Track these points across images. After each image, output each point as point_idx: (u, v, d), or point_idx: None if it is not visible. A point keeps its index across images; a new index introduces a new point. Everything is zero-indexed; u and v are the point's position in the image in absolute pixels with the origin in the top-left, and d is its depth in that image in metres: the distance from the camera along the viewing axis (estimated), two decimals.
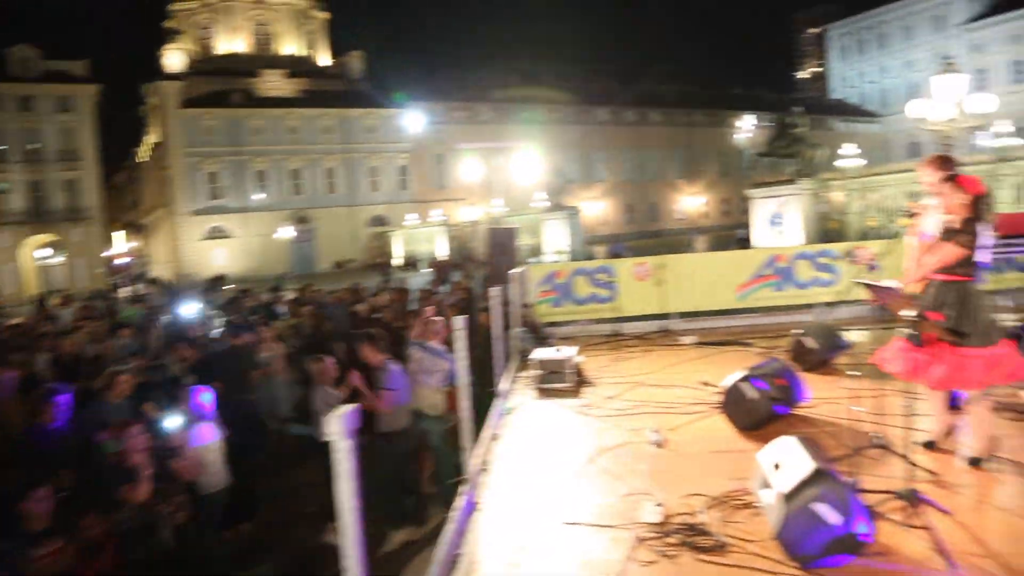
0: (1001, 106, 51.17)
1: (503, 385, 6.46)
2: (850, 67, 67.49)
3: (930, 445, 4.41)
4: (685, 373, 6.98)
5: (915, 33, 60.77)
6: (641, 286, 9.35)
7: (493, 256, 9.37)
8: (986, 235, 3.94)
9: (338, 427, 2.08)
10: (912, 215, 4.19)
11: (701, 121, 61.40)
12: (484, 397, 6.02)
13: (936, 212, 4.03)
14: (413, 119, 40.97)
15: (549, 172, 32.80)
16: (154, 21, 53.41)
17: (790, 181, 19.05)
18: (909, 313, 3.59)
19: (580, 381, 6.83)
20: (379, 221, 47.89)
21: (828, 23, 71.35)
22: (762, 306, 9.60)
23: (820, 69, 79.54)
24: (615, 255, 30.76)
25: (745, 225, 22.41)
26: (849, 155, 26.56)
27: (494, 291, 6.17)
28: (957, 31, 57.41)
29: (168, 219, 44.76)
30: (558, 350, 6.93)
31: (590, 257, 29.51)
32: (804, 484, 3.11)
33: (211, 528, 4.78)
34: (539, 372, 6.68)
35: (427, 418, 5.68)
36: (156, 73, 44.75)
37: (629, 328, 9.41)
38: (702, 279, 9.40)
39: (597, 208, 55.58)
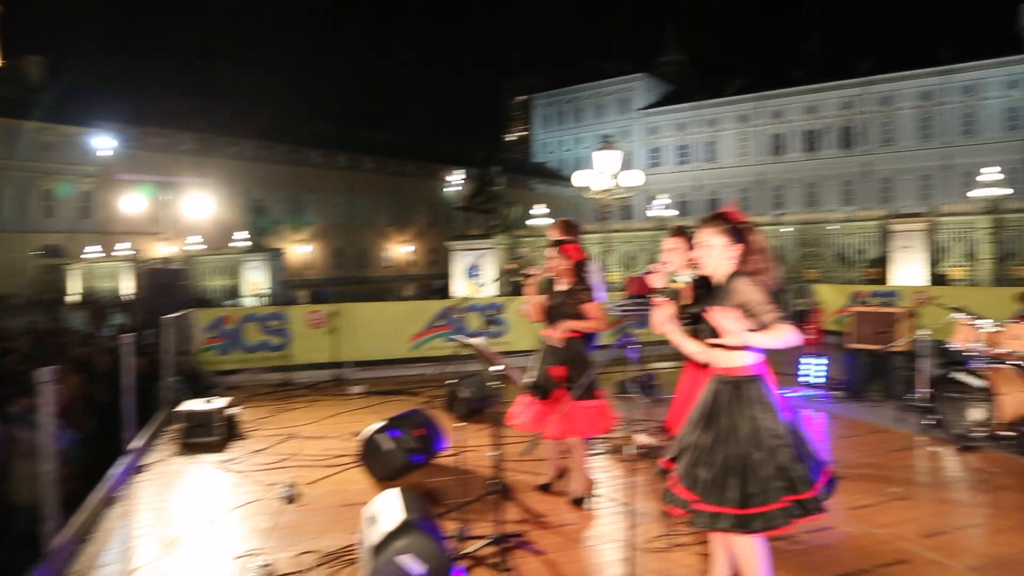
0: (668, 182, 59.04)
1: (136, 442, 5.88)
2: (551, 135, 74.08)
3: (546, 488, 4.76)
4: (343, 424, 6.93)
5: (605, 111, 68.63)
6: (315, 334, 9.19)
7: (152, 298, 8.60)
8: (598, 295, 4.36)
9: None
10: (528, 275, 4.52)
11: (412, 172, 63.11)
12: (109, 455, 5.43)
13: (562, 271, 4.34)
14: (102, 141, 37.02)
15: (254, 211, 31.39)
16: None
17: (486, 235, 20.01)
18: (498, 369, 3.83)
19: (230, 434, 6.46)
20: (55, 252, 42.20)
21: (533, 93, 77.92)
22: (436, 355, 9.95)
23: (525, 133, 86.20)
24: (319, 299, 30.25)
25: (447, 275, 23.22)
26: (539, 214, 29.13)
27: (127, 338, 5.63)
28: (637, 114, 65.99)
29: None
30: (208, 401, 6.51)
31: (291, 301, 28.64)
32: (391, 536, 3.15)
33: None
34: (183, 425, 6.20)
35: None
36: None
37: (302, 377, 9.17)
38: (377, 328, 9.48)
39: (305, 251, 54.37)
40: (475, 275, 19.72)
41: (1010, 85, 49.61)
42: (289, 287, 34.03)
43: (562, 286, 4.39)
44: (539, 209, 26.10)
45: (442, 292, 23.30)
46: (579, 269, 4.38)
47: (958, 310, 6.21)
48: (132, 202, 38.87)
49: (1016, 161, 48.59)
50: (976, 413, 5.53)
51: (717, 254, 2.71)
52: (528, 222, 27.10)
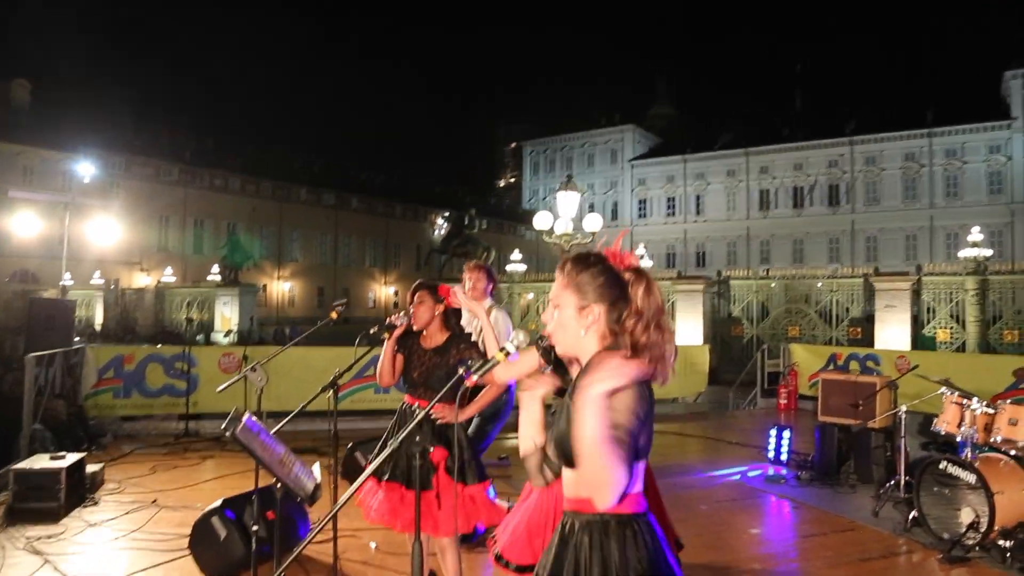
0: (656, 234, 58.71)
1: None
2: (540, 182, 73.74)
3: None
4: (227, 488, 5.81)
5: (595, 161, 68.47)
6: (227, 379, 8.10)
7: (32, 332, 7.54)
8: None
9: None
10: (391, 328, 3.61)
11: (401, 213, 62.64)
12: None
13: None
14: (83, 167, 36.12)
15: (232, 244, 30.36)
16: None
17: (459, 279, 19.35)
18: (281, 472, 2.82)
19: (77, 499, 5.33)
20: (27, 277, 41.00)
21: (524, 139, 77.89)
22: (367, 409, 8.97)
23: (516, 180, 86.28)
24: (280, 338, 29.27)
25: None
26: (515, 259, 28.28)
27: None
28: (627, 165, 65.82)
29: None
30: (57, 457, 5.40)
31: (261, 339, 27.54)
32: None
33: None
34: (14, 488, 5.08)
35: None
36: None
37: (207, 427, 8.10)
38: (299, 376, 8.43)
39: (286, 288, 53.32)
40: None
41: (993, 149, 49.64)
42: (261, 325, 33.07)
43: (436, 341, 3.57)
44: (516, 254, 25.29)
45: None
46: (449, 319, 3.63)
47: (945, 384, 5.19)
48: (109, 230, 37.75)
49: (1000, 224, 48.36)
50: (966, 514, 4.47)
51: (571, 318, 1.72)
52: (507, 267, 26.47)
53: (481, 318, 3.50)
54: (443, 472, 3.36)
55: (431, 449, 3.34)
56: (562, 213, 11.64)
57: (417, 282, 3.69)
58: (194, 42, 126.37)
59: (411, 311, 3.55)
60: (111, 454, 7.05)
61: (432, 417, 3.43)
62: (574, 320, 1.71)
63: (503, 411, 4.54)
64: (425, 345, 3.57)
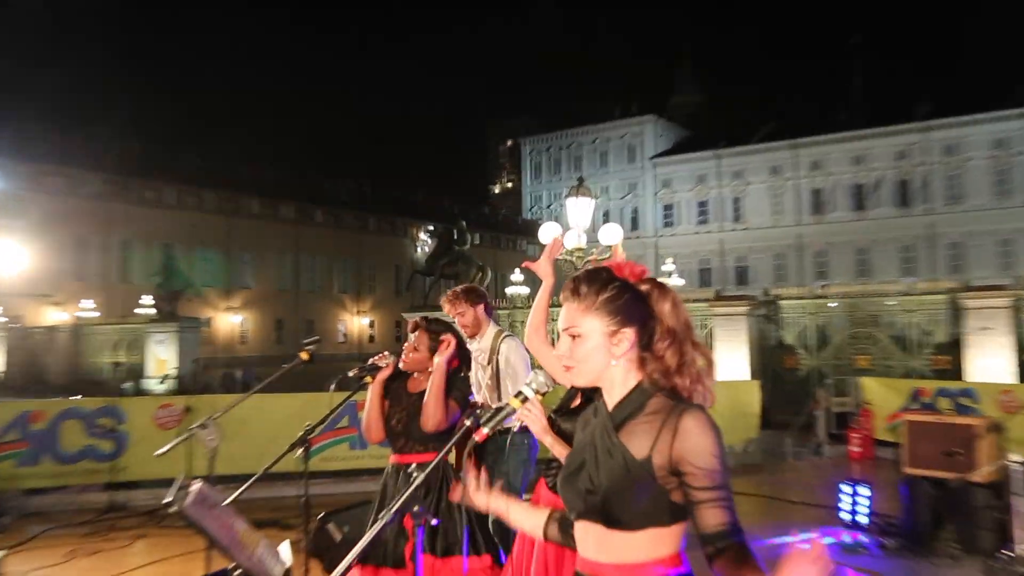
0: (684, 245, 59.02)
1: None
2: (543, 186, 74.25)
3: None
4: None
5: (609, 159, 68.98)
6: (164, 438, 7.99)
7: None
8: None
9: None
10: (374, 370, 3.64)
11: (375, 227, 62.90)
12: None
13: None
14: None
15: (166, 269, 30.22)
16: None
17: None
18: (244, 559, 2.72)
19: None
20: None
21: (523, 136, 78.45)
22: (339, 469, 8.94)
23: (514, 185, 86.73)
24: (230, 384, 29.03)
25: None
26: (515, 281, 28.33)
27: None
28: (648, 164, 66.22)
29: None
30: None
31: (206, 386, 27.38)
32: None
33: None
34: None
35: None
36: None
37: (140, 498, 7.99)
38: (256, 431, 8.32)
39: (236, 321, 53.26)
40: None
41: None
42: (206, 367, 32.94)
43: (423, 385, 3.67)
44: (517, 275, 25.36)
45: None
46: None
47: None
48: (12, 255, 37.64)
49: None
50: None
51: (597, 348, 1.84)
52: (507, 290, 26.46)
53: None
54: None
55: (433, 520, 3.35)
56: (573, 223, 11.60)
57: (419, 318, 3.82)
58: (122, 32, 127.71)
59: (404, 351, 3.66)
60: (14, 538, 6.90)
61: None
62: (602, 350, 1.81)
63: (526, 466, 4.51)
64: (410, 389, 3.68)
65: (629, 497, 1.69)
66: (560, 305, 1.87)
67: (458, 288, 4.76)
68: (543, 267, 3.40)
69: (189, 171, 52.46)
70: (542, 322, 3.36)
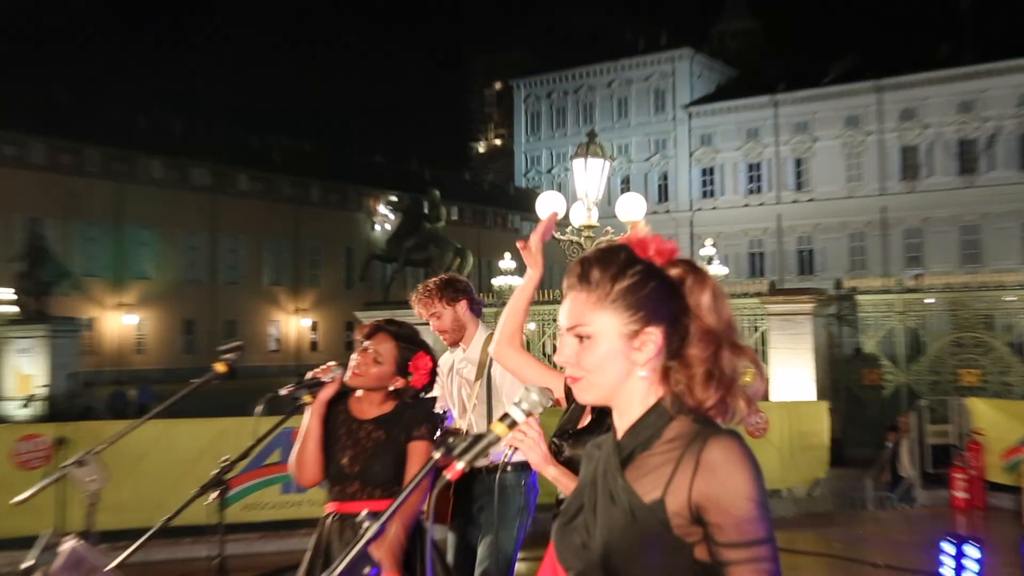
0: (729, 221, 59.24)
1: None
2: (542, 143, 74.43)
3: None
4: None
5: (630, 108, 69.20)
6: (27, 479, 8.05)
7: None
8: None
9: None
10: (315, 387, 3.67)
11: (319, 198, 62.78)
12: None
13: None
14: None
15: (32, 253, 29.91)
16: None
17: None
18: None
19: None
20: None
21: (517, 77, 78.34)
22: (269, 520, 9.02)
23: (503, 142, 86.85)
24: (141, 407, 28.95)
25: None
26: (505, 269, 28.05)
27: None
28: (683, 114, 66.31)
29: None
30: None
31: (87, 410, 27.33)
32: None
33: None
34: None
35: None
36: None
37: None
38: (155, 471, 8.51)
39: (130, 323, 53.23)
40: None
41: None
42: (88, 385, 32.93)
43: (375, 409, 3.76)
44: (507, 260, 25.46)
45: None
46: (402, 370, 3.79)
47: None
48: None
49: None
50: None
51: (614, 353, 1.80)
52: (494, 281, 26.60)
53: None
54: None
55: None
56: (580, 192, 11.67)
57: (382, 320, 3.83)
58: None
59: (354, 361, 3.67)
60: None
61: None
62: (620, 356, 1.78)
63: (523, 515, 4.52)
64: (358, 414, 3.70)
65: (635, 555, 1.66)
66: (557, 302, 1.86)
67: (433, 281, 4.74)
68: (531, 252, 3.31)
69: (63, 120, 52.12)
70: (518, 328, 3.36)
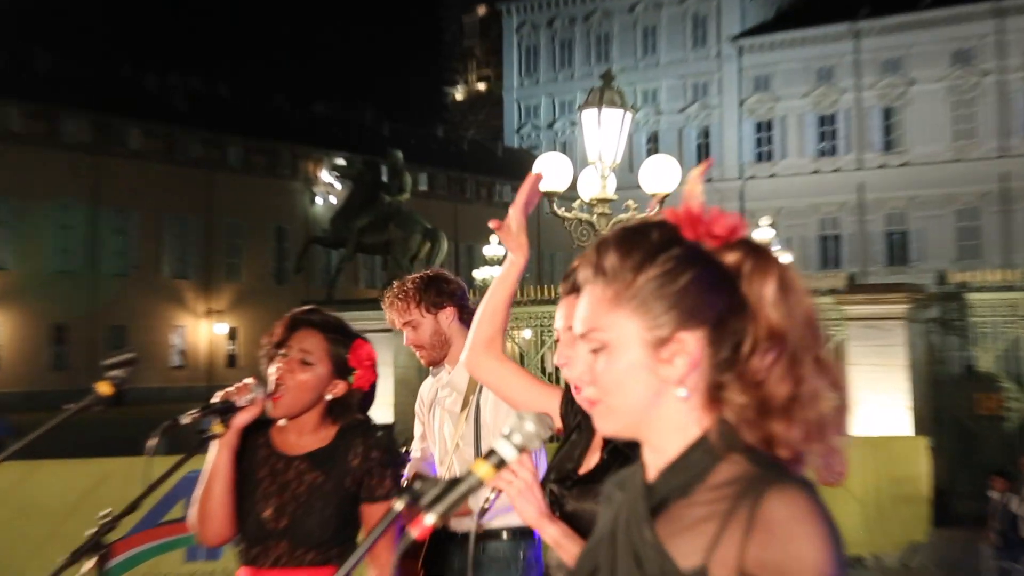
0: (792, 191, 59.93)
1: None
2: (540, 87, 74.83)
3: None
4: None
5: (660, 42, 69.49)
6: None
7: None
8: None
9: None
10: (228, 413, 3.66)
11: (241, 162, 62.92)
12: None
13: None
14: None
15: None
16: None
17: (375, 301, 19.61)
18: None
19: None
20: None
21: (504, 0, 78.54)
22: None
23: (488, 86, 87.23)
24: None
25: None
26: (491, 256, 27.98)
27: None
28: (730, 48, 66.40)
29: None
30: None
31: None
32: None
33: None
34: None
35: None
36: None
37: None
38: (20, 524, 8.76)
39: None
40: None
41: None
42: None
43: (309, 441, 3.82)
44: (493, 245, 25.69)
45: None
46: (341, 403, 3.86)
47: None
48: None
49: None
50: None
51: (636, 367, 1.78)
52: (476, 272, 27.06)
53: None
54: None
55: None
56: (592, 154, 11.73)
57: (293, 314, 3.87)
58: None
59: (274, 374, 3.67)
60: None
61: None
62: (646, 371, 1.76)
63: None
64: (285, 448, 3.74)
65: None
66: (550, 301, 1.82)
67: (412, 279, 4.74)
68: (511, 231, 3.34)
69: None
70: (498, 331, 3.39)
